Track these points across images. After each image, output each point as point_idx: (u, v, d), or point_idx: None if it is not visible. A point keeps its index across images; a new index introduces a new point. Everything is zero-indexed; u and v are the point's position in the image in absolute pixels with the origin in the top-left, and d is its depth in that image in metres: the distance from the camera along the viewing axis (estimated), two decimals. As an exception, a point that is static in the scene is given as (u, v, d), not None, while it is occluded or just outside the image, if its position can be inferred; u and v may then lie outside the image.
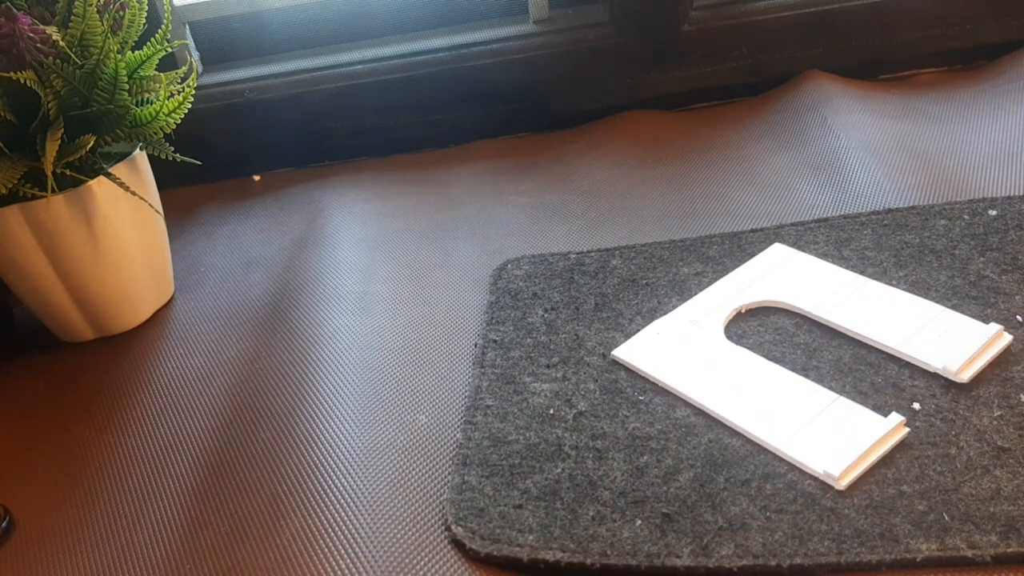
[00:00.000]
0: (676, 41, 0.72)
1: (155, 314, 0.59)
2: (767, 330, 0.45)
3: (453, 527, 0.36)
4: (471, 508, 0.37)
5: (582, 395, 0.43)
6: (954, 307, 0.43)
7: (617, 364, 0.44)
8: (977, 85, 0.68)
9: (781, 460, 0.37)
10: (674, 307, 0.47)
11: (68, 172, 0.51)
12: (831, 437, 0.37)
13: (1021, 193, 0.51)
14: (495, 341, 0.48)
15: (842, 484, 0.35)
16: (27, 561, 0.41)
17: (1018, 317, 0.41)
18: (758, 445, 0.38)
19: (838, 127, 0.63)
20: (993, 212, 0.49)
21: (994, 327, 0.40)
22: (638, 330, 0.46)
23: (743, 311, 0.46)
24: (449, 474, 0.40)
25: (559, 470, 0.38)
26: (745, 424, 0.39)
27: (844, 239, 0.50)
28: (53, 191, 0.50)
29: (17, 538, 0.42)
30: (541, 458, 0.39)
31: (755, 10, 0.71)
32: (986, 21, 0.70)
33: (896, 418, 0.37)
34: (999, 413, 0.37)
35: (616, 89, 0.74)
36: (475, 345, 0.48)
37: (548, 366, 0.45)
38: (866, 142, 0.61)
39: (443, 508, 0.38)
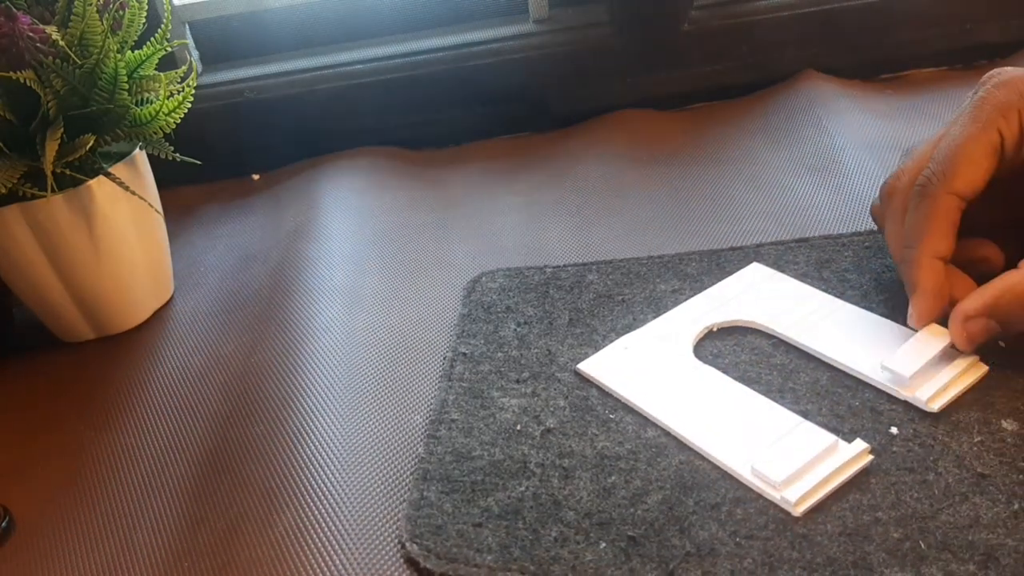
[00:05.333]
0: (676, 41, 0.72)
1: (155, 314, 0.60)
2: (743, 350, 0.44)
3: (408, 544, 0.35)
4: (428, 525, 0.36)
5: (551, 411, 0.42)
6: None
7: (587, 380, 0.43)
8: (973, 85, 0.67)
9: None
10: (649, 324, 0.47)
11: (68, 172, 0.51)
12: (791, 462, 0.35)
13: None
14: (464, 354, 0.47)
15: (799, 511, 0.34)
16: (27, 560, 0.41)
17: (1000, 342, 0.40)
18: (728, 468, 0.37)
19: (833, 127, 0.63)
20: None
21: (970, 356, 0.39)
22: None
23: (715, 329, 0.45)
24: (408, 489, 0.39)
25: (523, 488, 0.37)
26: (705, 445, 0.38)
27: (824, 260, 0.49)
28: (53, 191, 0.50)
29: (17, 538, 0.43)
30: (505, 475, 0.38)
31: (755, 10, 0.71)
32: (986, 21, 0.70)
33: (860, 444, 0.36)
34: (979, 439, 0.36)
35: (616, 89, 0.74)
36: (444, 358, 0.47)
37: (518, 381, 0.44)
38: (862, 141, 0.61)
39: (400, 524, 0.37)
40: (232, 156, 0.76)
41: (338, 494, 0.39)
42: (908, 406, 0.38)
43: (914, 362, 0.39)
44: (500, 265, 0.55)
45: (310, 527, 0.37)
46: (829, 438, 0.36)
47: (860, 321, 0.43)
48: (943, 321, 0.40)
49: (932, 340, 0.40)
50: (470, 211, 0.64)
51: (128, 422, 0.49)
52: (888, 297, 0.45)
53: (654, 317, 0.47)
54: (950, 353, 0.39)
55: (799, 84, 0.70)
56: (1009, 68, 0.40)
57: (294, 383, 0.47)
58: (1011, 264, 0.39)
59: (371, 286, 0.55)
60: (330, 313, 0.52)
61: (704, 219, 0.57)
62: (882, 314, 0.44)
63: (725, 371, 0.42)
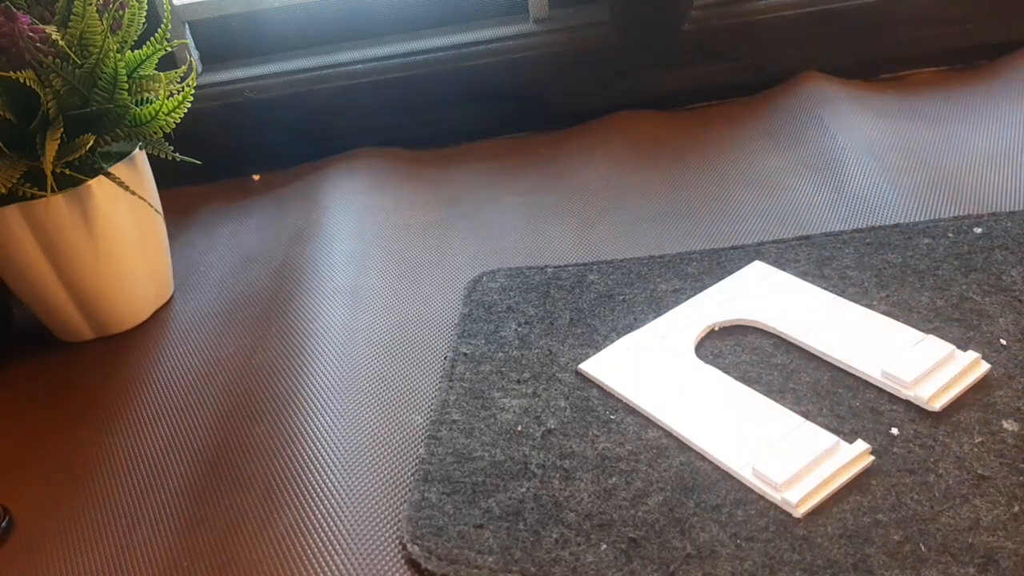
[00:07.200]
0: (676, 41, 0.72)
1: (154, 314, 0.59)
2: (744, 350, 0.44)
3: (409, 545, 0.35)
4: (429, 526, 0.36)
5: (552, 412, 0.42)
6: (935, 330, 0.42)
7: (588, 380, 0.43)
8: (973, 86, 0.68)
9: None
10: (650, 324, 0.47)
11: (68, 172, 0.51)
12: (793, 463, 0.35)
13: (1010, 208, 0.51)
14: (465, 355, 0.47)
15: (800, 512, 0.34)
16: (27, 560, 0.41)
17: (1002, 341, 0.40)
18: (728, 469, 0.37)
19: (835, 127, 0.63)
20: (978, 230, 0.49)
21: (971, 355, 0.39)
22: None
23: (716, 329, 0.46)
24: (409, 490, 0.39)
25: (524, 489, 0.37)
26: (706, 446, 0.38)
27: (826, 257, 0.49)
28: (53, 191, 0.50)
29: (17, 537, 0.43)
30: (506, 476, 0.38)
31: (755, 10, 0.71)
32: (986, 21, 0.70)
33: (861, 445, 0.36)
34: (979, 440, 0.36)
35: (616, 89, 0.74)
36: (444, 358, 0.47)
37: (519, 381, 0.44)
38: (863, 142, 0.61)
39: (401, 525, 0.37)
40: (232, 156, 0.76)
41: (338, 494, 0.39)
42: (909, 406, 0.38)
43: (915, 367, 0.39)
44: (501, 265, 0.55)
45: (310, 527, 0.37)
46: (830, 439, 0.36)
47: (861, 319, 0.43)
48: (945, 335, 0.40)
49: (934, 349, 0.40)
50: (471, 211, 0.63)
51: (128, 422, 0.49)
52: (889, 294, 0.45)
53: (655, 317, 0.47)
54: (951, 359, 0.40)
55: (800, 84, 0.70)
56: None
57: (295, 383, 0.47)
58: None
59: (372, 286, 0.55)
60: (331, 314, 0.52)
61: (705, 218, 0.57)
62: (883, 311, 0.44)
63: (726, 371, 0.42)
